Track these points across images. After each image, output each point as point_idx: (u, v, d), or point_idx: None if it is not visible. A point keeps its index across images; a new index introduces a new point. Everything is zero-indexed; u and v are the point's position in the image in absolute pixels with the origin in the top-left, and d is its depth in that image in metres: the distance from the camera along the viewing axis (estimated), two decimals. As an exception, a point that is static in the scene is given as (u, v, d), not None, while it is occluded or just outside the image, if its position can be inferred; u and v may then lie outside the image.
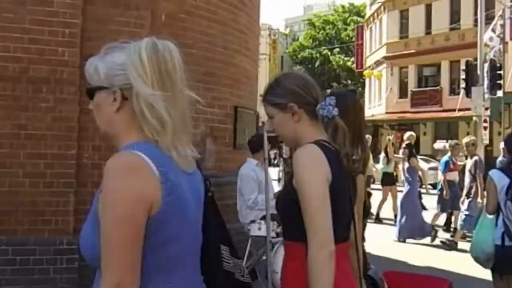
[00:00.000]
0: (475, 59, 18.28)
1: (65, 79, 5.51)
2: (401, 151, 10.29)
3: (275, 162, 26.20)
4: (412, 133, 11.26)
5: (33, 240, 5.38)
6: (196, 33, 6.53)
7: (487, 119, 17.72)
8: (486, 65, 17.22)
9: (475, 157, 8.94)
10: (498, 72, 17.60)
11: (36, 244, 5.38)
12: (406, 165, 9.87)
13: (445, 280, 5.70)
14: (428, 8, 32.76)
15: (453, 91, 30.79)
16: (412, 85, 33.82)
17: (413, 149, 10.20)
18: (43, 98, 5.21)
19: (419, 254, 8.10)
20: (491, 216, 4.40)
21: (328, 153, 1.98)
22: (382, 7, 36.42)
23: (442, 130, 31.88)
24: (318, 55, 51.73)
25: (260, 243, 5.78)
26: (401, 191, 10.05)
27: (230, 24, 7.08)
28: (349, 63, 48.27)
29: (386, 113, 34.85)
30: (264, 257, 5.69)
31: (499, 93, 18.28)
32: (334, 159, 1.99)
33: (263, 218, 5.67)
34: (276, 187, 6.84)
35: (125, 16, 5.85)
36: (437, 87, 32.30)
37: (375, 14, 38.58)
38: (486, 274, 6.98)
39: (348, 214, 2.09)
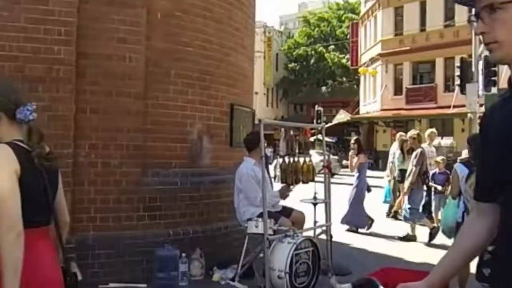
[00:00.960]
0: (470, 56, 18.34)
1: (61, 78, 5.50)
2: (351, 146, 10.68)
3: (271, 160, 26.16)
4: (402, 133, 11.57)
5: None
6: (192, 31, 6.53)
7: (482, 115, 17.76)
8: (481, 62, 17.26)
9: (419, 149, 9.45)
10: (493, 68, 17.62)
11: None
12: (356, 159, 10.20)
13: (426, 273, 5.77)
14: (423, 5, 32.81)
15: (448, 88, 30.86)
16: (407, 82, 33.88)
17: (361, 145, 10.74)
18: (39, 97, 5.20)
19: (418, 252, 8.12)
20: (455, 200, 5.73)
21: (19, 151, 2.29)
22: (376, 4, 36.45)
23: (437, 126, 31.78)
24: (313, 52, 51.69)
25: (257, 240, 5.79)
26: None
27: (226, 22, 7.08)
28: (344, 60, 48.25)
29: (381, 110, 34.91)
30: (261, 255, 5.71)
31: (494, 90, 18.29)
32: (25, 156, 2.30)
33: (260, 215, 5.69)
34: (276, 185, 6.85)
35: (120, 14, 5.84)
36: (432, 84, 32.36)
37: (370, 11, 38.60)
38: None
39: (43, 202, 2.38)
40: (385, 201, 12.43)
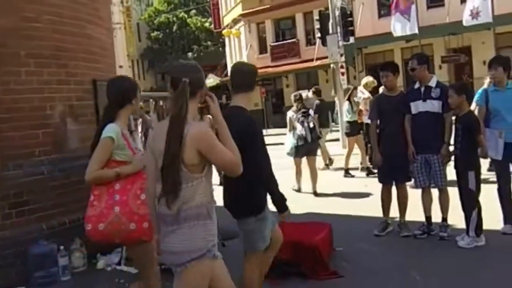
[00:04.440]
0: (327, 9, 18.95)
1: None
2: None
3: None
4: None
5: None
6: (39, 4, 5.93)
7: (343, 65, 18.57)
8: (337, 14, 17.92)
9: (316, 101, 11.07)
10: (349, 19, 18.40)
11: None
12: None
13: (324, 224, 5.95)
14: (278, -38, 33.31)
15: (310, 42, 31.91)
16: (270, 40, 34.49)
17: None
18: None
19: (297, 202, 8.31)
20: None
21: None
22: (232, -35, 36.41)
23: (303, 80, 33.06)
24: (175, 19, 50.72)
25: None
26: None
27: (77, -8, 6.53)
28: (207, 24, 47.95)
29: (249, 70, 35.28)
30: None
31: (351, 39, 19.17)
32: None
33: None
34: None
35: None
36: (294, 40, 33.24)
37: (227, -28, 38.49)
38: (362, 212, 7.38)
39: None
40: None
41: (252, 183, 3.60)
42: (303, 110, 9.39)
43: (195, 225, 2.80)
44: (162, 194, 2.79)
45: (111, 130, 3.62)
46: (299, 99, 9.58)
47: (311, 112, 9.92)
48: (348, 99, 11.21)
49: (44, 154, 5.77)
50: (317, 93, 12.06)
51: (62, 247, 5.40)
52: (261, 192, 3.75)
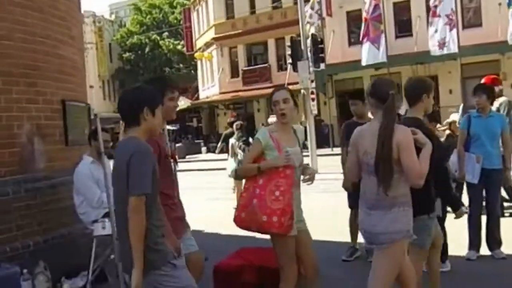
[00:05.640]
0: (298, 35, 19.21)
1: None
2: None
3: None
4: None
5: None
6: (10, 22, 5.86)
7: (314, 90, 18.81)
8: (309, 40, 18.19)
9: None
10: (320, 46, 18.70)
11: None
12: None
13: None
14: (250, -12, 33.78)
15: (281, 67, 32.27)
16: (242, 64, 34.77)
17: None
18: None
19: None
20: None
21: None
22: (206, -11, 36.73)
23: (274, 105, 33.25)
24: (147, 40, 50.73)
25: (106, 242, 5.46)
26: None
27: (48, 11, 6.47)
28: (179, 47, 48.07)
29: (220, 93, 35.46)
30: (112, 256, 5.41)
31: (322, 66, 19.45)
32: None
33: (106, 215, 5.37)
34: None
35: None
36: (266, 65, 33.57)
37: (200, -4, 38.81)
38: (329, 237, 7.38)
39: None
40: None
41: (429, 184, 3.83)
42: (243, 138, 10.81)
43: (403, 211, 3.51)
44: (378, 183, 3.46)
45: (259, 133, 4.30)
46: (240, 128, 11.03)
47: (251, 140, 10.46)
48: None
49: (10, 174, 5.65)
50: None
51: (25, 271, 5.25)
52: (433, 193, 4.07)
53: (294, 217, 4.04)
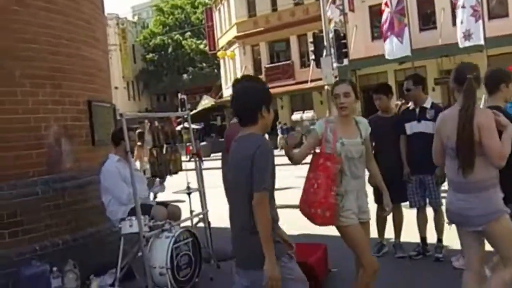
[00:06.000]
0: (321, 31, 19.15)
1: None
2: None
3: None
4: None
5: None
6: (36, 26, 5.97)
7: (338, 86, 18.68)
8: (331, 36, 18.10)
9: None
10: (343, 41, 18.59)
11: None
12: None
13: (320, 244, 5.92)
14: (273, -15, 33.72)
15: (304, 64, 32.16)
16: (265, 62, 34.73)
17: None
18: None
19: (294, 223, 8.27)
20: None
21: None
22: (228, -12, 36.78)
23: (298, 102, 33.22)
24: (170, 41, 51.04)
25: (133, 240, 5.53)
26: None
27: (73, 14, 6.57)
28: (202, 46, 48.24)
29: (244, 91, 35.43)
30: (140, 254, 5.46)
31: (345, 61, 19.34)
32: None
33: (132, 213, 5.42)
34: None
35: None
36: (289, 62, 33.48)
37: (222, -5, 38.87)
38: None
39: None
40: None
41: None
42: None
43: (495, 193, 3.58)
44: (459, 165, 3.56)
45: (317, 123, 4.35)
46: None
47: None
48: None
49: (39, 175, 5.76)
50: None
51: (55, 268, 5.35)
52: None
53: (353, 208, 4.13)
